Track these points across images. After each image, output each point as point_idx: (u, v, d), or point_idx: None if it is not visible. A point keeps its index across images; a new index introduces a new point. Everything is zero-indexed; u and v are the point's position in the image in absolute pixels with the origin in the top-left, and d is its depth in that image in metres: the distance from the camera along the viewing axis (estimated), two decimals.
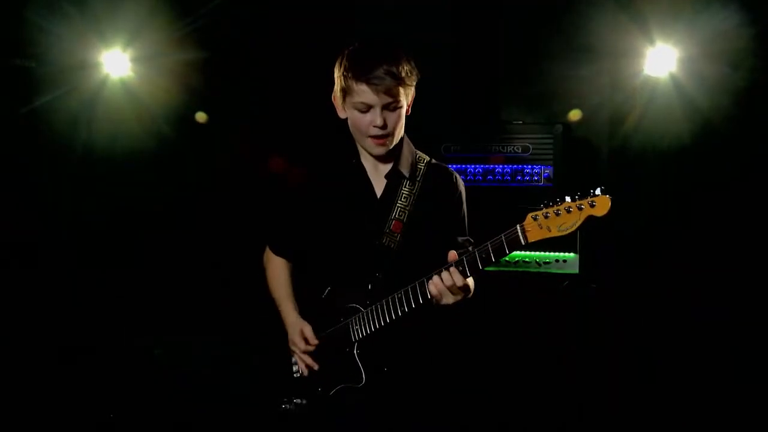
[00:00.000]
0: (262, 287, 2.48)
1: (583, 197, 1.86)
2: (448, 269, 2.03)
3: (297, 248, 2.42)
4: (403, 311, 2.12)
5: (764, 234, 3.39)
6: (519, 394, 3.50)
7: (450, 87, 3.95)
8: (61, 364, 3.70)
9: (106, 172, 3.93)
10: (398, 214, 2.26)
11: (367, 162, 2.31)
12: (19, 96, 3.65)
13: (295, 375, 2.37)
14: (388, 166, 2.29)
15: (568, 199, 1.88)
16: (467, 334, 3.36)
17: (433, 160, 2.38)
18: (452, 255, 2.06)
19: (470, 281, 2.11)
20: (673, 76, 3.54)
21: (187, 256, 3.92)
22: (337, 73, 2.20)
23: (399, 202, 2.27)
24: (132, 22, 3.76)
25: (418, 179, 2.31)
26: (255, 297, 2.56)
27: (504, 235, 1.95)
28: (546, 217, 1.89)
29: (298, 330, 2.30)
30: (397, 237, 2.25)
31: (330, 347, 2.27)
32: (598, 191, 1.84)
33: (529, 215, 1.92)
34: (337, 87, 2.22)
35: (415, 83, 2.19)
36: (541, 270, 3.53)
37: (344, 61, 2.16)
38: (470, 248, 2.08)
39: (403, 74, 2.11)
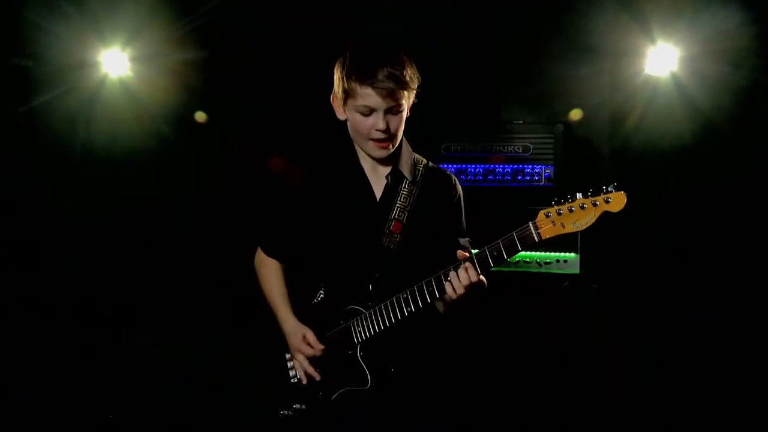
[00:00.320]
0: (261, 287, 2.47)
1: (596, 194, 1.84)
2: (460, 267, 2.00)
3: (291, 250, 2.38)
4: (409, 311, 2.09)
5: (765, 234, 3.38)
6: (520, 394, 3.50)
7: (450, 87, 3.94)
8: (61, 364, 3.69)
9: (105, 172, 3.92)
10: (398, 215, 2.25)
11: (366, 163, 2.29)
12: (17, 95, 3.64)
13: (292, 381, 2.32)
14: (388, 168, 2.28)
15: (579, 195, 1.86)
16: (468, 333, 3.35)
17: (431, 163, 2.37)
18: (461, 254, 2.04)
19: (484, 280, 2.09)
20: (674, 76, 3.53)
21: (186, 256, 3.92)
22: (338, 75, 2.16)
23: (398, 202, 2.26)
24: (131, 22, 3.75)
25: (417, 180, 2.29)
26: (255, 297, 2.55)
27: (515, 233, 1.94)
28: (559, 214, 1.88)
29: (300, 336, 2.25)
30: (396, 238, 2.23)
31: (331, 350, 2.24)
32: (611, 188, 1.82)
33: (541, 212, 1.90)
34: (338, 89, 2.18)
35: (417, 86, 2.17)
36: (542, 270, 3.52)
37: (347, 63, 2.13)
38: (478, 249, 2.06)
39: (407, 78, 2.09)
